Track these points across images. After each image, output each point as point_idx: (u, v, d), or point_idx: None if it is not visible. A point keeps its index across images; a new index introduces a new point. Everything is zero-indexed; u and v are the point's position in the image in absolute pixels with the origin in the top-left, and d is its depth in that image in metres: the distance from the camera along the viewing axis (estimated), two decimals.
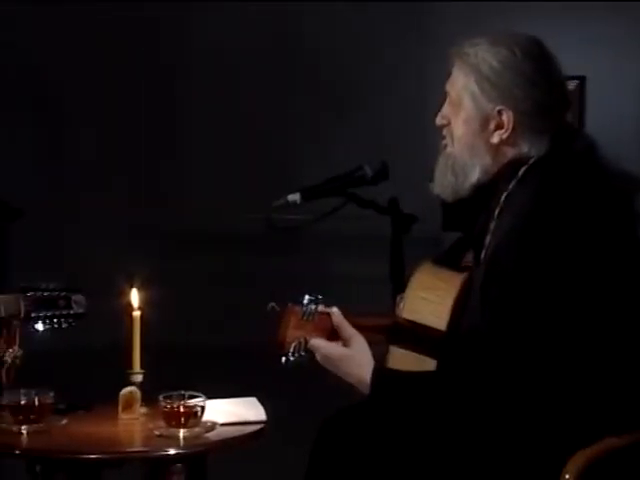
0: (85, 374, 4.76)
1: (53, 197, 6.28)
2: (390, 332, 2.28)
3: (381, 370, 2.20)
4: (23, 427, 2.42)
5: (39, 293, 2.83)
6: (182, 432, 2.40)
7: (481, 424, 2.09)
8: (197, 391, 2.46)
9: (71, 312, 2.89)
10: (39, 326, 2.83)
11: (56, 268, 3.69)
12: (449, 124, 2.28)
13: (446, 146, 2.30)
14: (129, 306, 2.64)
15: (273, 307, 2.28)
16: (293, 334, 2.25)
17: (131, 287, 2.67)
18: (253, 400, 2.66)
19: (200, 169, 6.69)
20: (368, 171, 2.76)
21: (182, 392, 2.44)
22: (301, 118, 6.57)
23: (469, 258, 2.38)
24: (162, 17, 6.61)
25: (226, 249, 6.40)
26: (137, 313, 2.63)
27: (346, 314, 2.28)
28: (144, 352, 2.60)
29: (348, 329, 2.25)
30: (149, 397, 2.58)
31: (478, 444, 2.10)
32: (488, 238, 2.26)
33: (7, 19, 6.23)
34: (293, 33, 6.56)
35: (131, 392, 2.57)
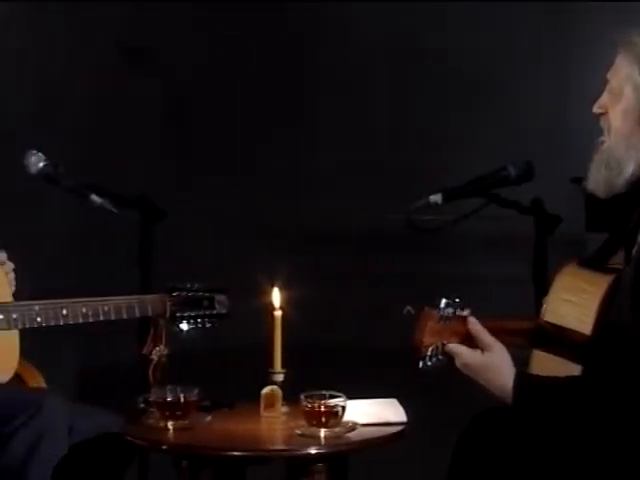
0: (227, 372, 4.84)
1: (191, 198, 6.40)
2: (533, 336, 2.24)
3: (524, 376, 2.16)
4: (169, 423, 2.47)
5: (184, 293, 2.90)
6: (323, 432, 2.41)
7: (633, 432, 2.03)
8: (337, 391, 2.48)
9: (214, 312, 2.95)
10: (184, 326, 2.89)
11: (198, 268, 3.75)
12: (606, 113, 2.23)
13: (603, 142, 2.25)
14: (270, 306, 2.67)
15: (409, 311, 2.26)
16: (430, 338, 2.23)
17: (272, 287, 2.70)
18: (394, 401, 2.66)
19: (339, 169, 6.71)
20: (512, 171, 2.72)
21: (323, 392, 2.46)
22: (443, 118, 6.53)
23: (616, 260, 2.32)
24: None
25: (365, 249, 6.40)
26: (278, 313, 2.66)
27: (485, 317, 2.25)
28: (285, 351, 2.63)
29: (486, 337, 2.21)
30: (290, 396, 2.60)
31: (629, 451, 2.05)
32: None
33: (135, 19, 6.36)
34: (433, 33, 6.53)
35: (273, 391, 2.60)
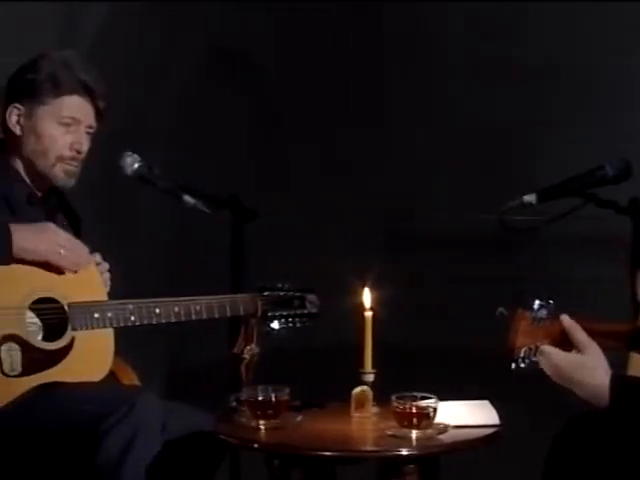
0: (317, 372, 4.85)
1: (283, 197, 6.44)
2: (632, 338, 2.19)
3: (622, 378, 2.12)
4: (261, 422, 2.49)
5: (275, 293, 2.92)
6: (414, 433, 2.40)
7: None
8: (428, 392, 2.46)
9: (305, 312, 2.96)
10: (275, 325, 2.91)
11: (289, 268, 3.77)
12: None
13: None
14: (361, 306, 2.66)
15: (502, 312, 2.24)
16: (523, 340, 2.20)
17: (363, 287, 2.69)
18: (486, 403, 2.63)
19: (432, 170, 6.68)
20: (609, 170, 2.68)
21: (414, 393, 2.45)
22: (539, 117, 6.45)
23: None
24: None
25: (457, 249, 6.36)
26: (369, 313, 2.65)
27: (579, 319, 2.21)
28: (375, 352, 2.62)
29: (581, 335, 2.17)
30: (380, 397, 2.60)
31: None
32: None
33: (227, 20, 6.41)
34: (533, 30, 6.45)
35: (363, 391, 2.60)
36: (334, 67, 6.69)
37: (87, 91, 2.73)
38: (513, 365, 2.21)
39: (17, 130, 2.71)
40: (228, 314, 2.83)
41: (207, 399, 2.73)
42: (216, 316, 2.81)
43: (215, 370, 2.97)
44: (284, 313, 2.91)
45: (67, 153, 2.72)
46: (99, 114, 2.78)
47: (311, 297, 2.97)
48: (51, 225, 2.63)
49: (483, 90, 6.52)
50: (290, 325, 2.93)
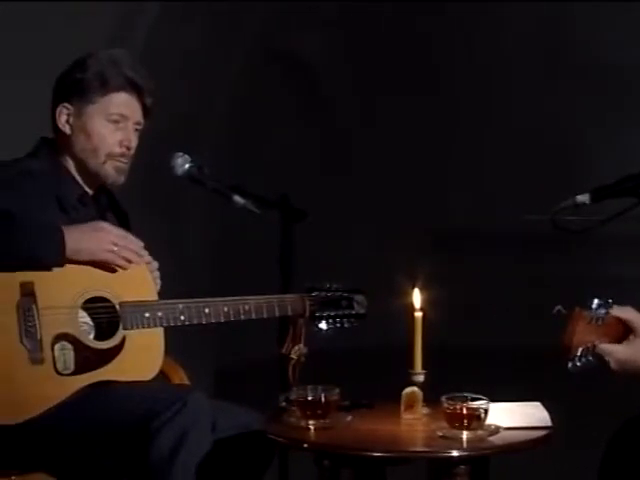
0: (365, 372, 4.84)
1: (332, 197, 6.44)
2: None
3: None
4: (310, 422, 2.48)
5: (323, 293, 2.91)
6: (465, 434, 2.38)
7: None
8: (479, 393, 2.44)
9: (353, 312, 2.95)
10: (322, 325, 2.90)
11: (338, 268, 3.77)
12: None
13: None
14: (411, 306, 2.65)
15: (559, 310, 2.23)
16: (581, 339, 2.19)
17: (413, 287, 2.68)
18: (538, 404, 2.61)
19: (483, 168, 6.64)
20: None
21: (465, 394, 2.43)
22: (590, 118, 6.39)
23: None
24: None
25: (507, 249, 6.32)
26: (419, 314, 2.63)
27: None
28: (425, 352, 2.60)
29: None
30: (430, 397, 2.58)
31: None
32: None
33: (280, 20, 6.41)
34: (580, 34, 6.40)
35: (413, 392, 2.58)
36: (387, 65, 6.67)
37: (134, 88, 2.74)
38: (570, 364, 2.20)
39: (67, 129, 2.73)
40: (276, 314, 2.83)
41: (255, 399, 2.74)
42: (265, 316, 2.81)
43: (263, 370, 2.97)
44: (332, 313, 2.91)
45: (117, 150, 2.73)
46: (146, 111, 2.79)
47: (359, 298, 2.96)
48: (103, 223, 2.65)
49: (541, 91, 6.48)
50: (338, 326, 2.93)
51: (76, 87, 2.72)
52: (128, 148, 2.75)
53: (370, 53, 6.62)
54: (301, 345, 2.83)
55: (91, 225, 2.62)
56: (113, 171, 2.75)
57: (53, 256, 2.52)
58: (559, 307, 2.23)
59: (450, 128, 6.74)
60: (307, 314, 2.86)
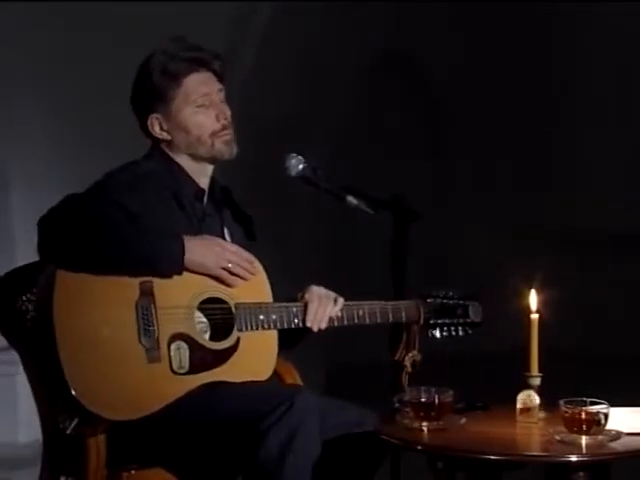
0: (481, 375, 4.79)
1: (446, 199, 6.40)
2: None
3: None
4: (424, 424, 2.47)
5: (438, 300, 2.87)
6: (584, 439, 2.33)
7: None
8: (598, 398, 2.39)
9: (468, 321, 2.91)
10: (436, 333, 2.87)
11: (453, 269, 3.74)
12: None
13: None
14: (527, 309, 2.60)
15: None
16: None
17: (529, 289, 2.63)
18: None
19: (601, 169, 6.51)
20: None
21: (584, 398, 2.38)
22: None
23: None
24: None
25: (628, 251, 6.18)
26: (535, 316, 2.59)
27: None
28: (542, 355, 2.56)
29: None
30: (546, 401, 2.53)
31: None
32: None
33: (393, 21, 6.39)
34: None
35: (529, 395, 2.55)
36: (506, 67, 6.60)
37: (198, 64, 2.74)
38: None
39: (165, 136, 2.75)
40: (390, 320, 2.81)
41: (366, 402, 2.72)
42: (378, 321, 2.79)
43: (374, 373, 2.95)
44: (447, 321, 2.87)
45: (217, 127, 2.74)
46: (219, 75, 2.79)
47: (474, 305, 2.92)
48: (218, 240, 2.67)
49: None
50: (452, 334, 2.89)
51: (152, 95, 2.73)
52: (225, 118, 2.76)
53: (487, 54, 6.55)
54: (415, 352, 2.80)
55: (209, 239, 2.64)
56: (223, 146, 2.75)
57: (172, 264, 2.55)
58: None
59: (577, 125, 6.62)
60: (421, 322, 2.83)
